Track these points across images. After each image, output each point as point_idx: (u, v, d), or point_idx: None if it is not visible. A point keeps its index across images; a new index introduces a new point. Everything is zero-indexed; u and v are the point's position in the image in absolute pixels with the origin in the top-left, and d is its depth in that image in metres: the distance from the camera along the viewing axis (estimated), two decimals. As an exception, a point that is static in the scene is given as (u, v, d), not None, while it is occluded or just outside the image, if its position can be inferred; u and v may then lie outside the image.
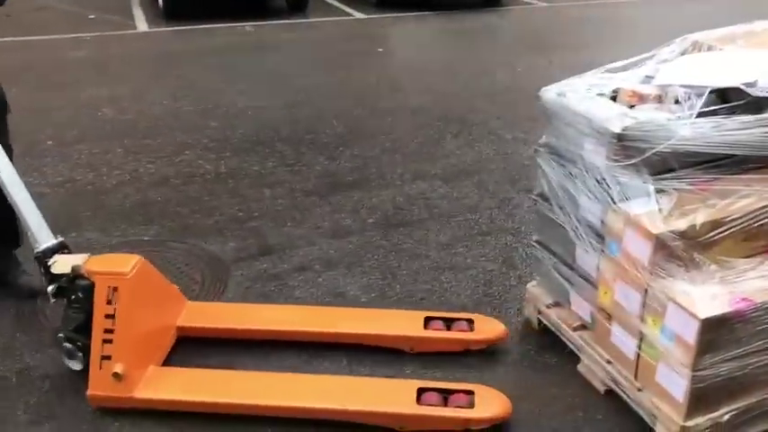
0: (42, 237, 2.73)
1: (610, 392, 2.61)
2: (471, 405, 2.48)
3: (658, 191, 2.33)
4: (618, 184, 2.40)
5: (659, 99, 2.58)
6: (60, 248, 2.75)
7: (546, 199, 2.78)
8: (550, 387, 2.70)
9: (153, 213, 4.08)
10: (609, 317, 2.54)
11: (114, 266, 2.67)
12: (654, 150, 2.31)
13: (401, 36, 9.41)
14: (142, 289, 2.70)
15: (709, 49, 2.79)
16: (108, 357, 2.55)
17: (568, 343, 2.81)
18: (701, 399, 2.27)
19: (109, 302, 2.57)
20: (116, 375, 2.52)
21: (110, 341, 2.56)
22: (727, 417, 2.32)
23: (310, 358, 2.85)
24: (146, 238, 3.81)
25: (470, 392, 2.53)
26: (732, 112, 2.42)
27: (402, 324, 2.97)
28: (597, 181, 2.47)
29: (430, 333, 2.88)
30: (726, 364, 2.23)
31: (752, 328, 2.21)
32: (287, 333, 2.94)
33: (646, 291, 2.31)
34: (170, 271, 3.45)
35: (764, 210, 2.30)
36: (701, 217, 2.27)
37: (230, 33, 9.05)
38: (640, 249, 2.31)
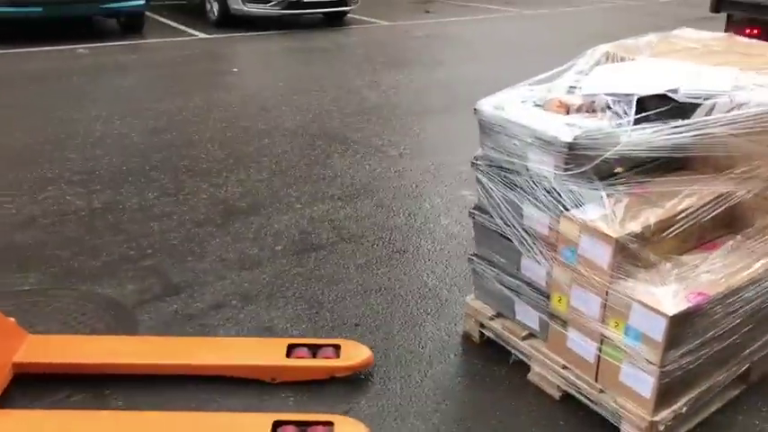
0: None
1: (565, 398, 2.64)
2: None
3: (608, 195, 2.40)
4: (570, 192, 2.44)
5: (585, 109, 2.67)
6: None
7: (485, 211, 2.78)
8: (506, 399, 2.68)
9: (27, 259, 3.61)
10: (564, 323, 2.57)
11: None
12: (603, 157, 2.38)
13: (252, 55, 9.19)
14: None
15: (622, 59, 2.94)
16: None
17: (516, 353, 2.82)
18: (665, 393, 2.35)
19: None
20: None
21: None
22: (685, 408, 2.43)
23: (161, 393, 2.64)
24: (26, 288, 3.35)
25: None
26: (658, 118, 2.54)
27: (263, 353, 2.82)
28: (546, 190, 2.49)
29: (292, 362, 2.74)
30: (686, 358, 2.33)
31: (707, 321, 2.33)
32: (139, 366, 2.73)
33: (606, 294, 2.36)
34: (66, 323, 3.06)
35: (704, 208, 2.44)
36: (652, 218, 2.36)
37: (60, 57, 8.36)
38: (599, 254, 2.35)
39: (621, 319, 2.34)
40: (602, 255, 2.35)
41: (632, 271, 2.35)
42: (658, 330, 2.24)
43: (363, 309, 3.21)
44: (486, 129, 2.67)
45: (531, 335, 2.77)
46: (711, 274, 2.37)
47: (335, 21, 11.08)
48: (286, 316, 3.16)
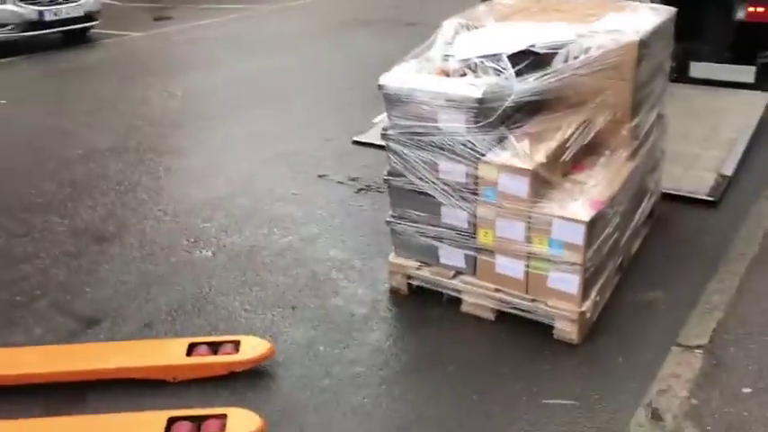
0: None
1: (500, 317, 3.10)
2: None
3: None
4: (482, 141, 2.87)
5: (461, 72, 3.12)
6: None
7: (400, 175, 3.12)
8: (447, 332, 3.08)
9: None
10: (491, 252, 3.02)
11: None
12: (503, 106, 2.86)
13: (15, 82, 8.34)
14: None
15: (475, 27, 3.43)
16: None
17: (448, 292, 3.22)
18: (585, 288, 2.91)
19: None
20: None
21: None
22: (598, 297, 3.03)
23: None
24: None
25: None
26: (528, 69, 3.06)
27: (164, 353, 2.91)
28: (461, 144, 2.90)
29: (192, 360, 2.83)
30: (594, 256, 2.91)
31: (603, 223, 2.93)
32: (39, 376, 2.76)
33: (529, 218, 2.85)
34: None
35: (577, 134, 3.03)
36: (550, 149, 2.90)
37: None
38: (518, 186, 2.84)
39: (544, 235, 2.85)
40: (521, 186, 2.83)
41: (544, 194, 2.87)
42: (579, 236, 2.78)
43: (294, 295, 3.40)
44: (394, 100, 3.00)
45: (458, 273, 3.19)
46: (598, 186, 2.97)
47: (78, 38, 10.38)
48: (221, 317, 3.24)
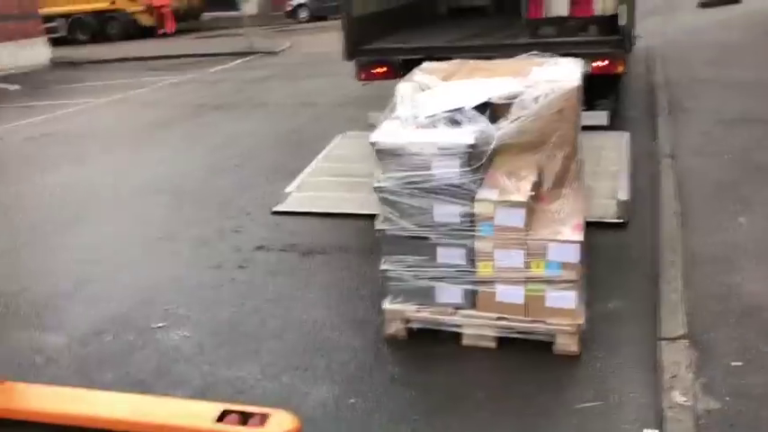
0: None
1: (501, 344, 3.35)
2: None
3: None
4: (474, 182, 3.17)
5: (433, 125, 3.43)
6: None
7: (394, 224, 3.31)
8: (452, 366, 3.27)
9: None
10: (491, 283, 3.28)
11: None
12: (490, 150, 3.19)
13: None
14: None
15: (428, 87, 3.76)
16: None
17: (448, 329, 3.42)
18: (578, 303, 3.26)
19: None
20: None
21: None
22: (589, 309, 3.38)
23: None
24: None
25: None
26: (489, 119, 3.43)
27: (195, 415, 2.76)
28: (455, 187, 3.17)
29: (221, 427, 2.67)
30: (582, 271, 3.28)
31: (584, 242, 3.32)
32: (56, 416, 2.67)
33: (526, 245, 3.17)
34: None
35: (521, 172, 3.43)
36: (530, 184, 3.26)
37: None
38: (514, 218, 3.15)
39: (541, 259, 3.18)
40: (518, 217, 3.15)
41: (534, 222, 3.21)
42: (574, 255, 3.14)
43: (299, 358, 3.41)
44: (388, 155, 3.23)
45: (456, 309, 3.40)
46: (570, 213, 3.37)
47: None
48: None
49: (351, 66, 6.71)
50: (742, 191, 4.81)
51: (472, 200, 3.19)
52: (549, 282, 3.20)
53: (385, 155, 3.24)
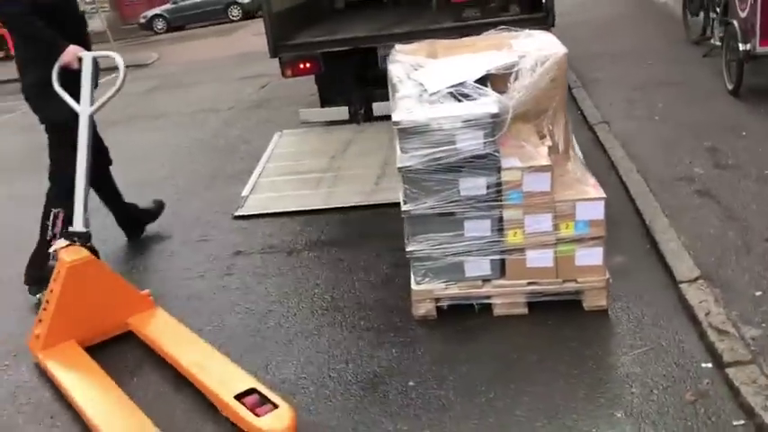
0: (76, 223, 3.72)
1: (532, 308, 3.40)
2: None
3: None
4: (497, 152, 3.20)
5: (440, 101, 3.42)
6: (78, 236, 3.66)
7: (419, 203, 3.27)
8: (489, 336, 3.29)
9: None
10: (521, 250, 3.32)
11: (66, 256, 3.49)
12: (509, 118, 3.23)
13: None
14: (82, 278, 3.46)
15: (420, 66, 3.74)
16: (39, 320, 3.50)
17: (480, 301, 3.43)
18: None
19: (54, 280, 3.47)
20: (36, 336, 3.48)
21: (44, 309, 3.49)
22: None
23: None
24: None
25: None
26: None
27: (222, 381, 3.01)
28: (480, 157, 3.18)
29: (233, 403, 2.84)
30: (601, 228, 3.40)
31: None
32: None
33: (554, 208, 3.24)
34: None
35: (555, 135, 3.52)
36: (546, 144, 3.34)
37: None
38: (541, 182, 3.21)
39: (569, 219, 3.26)
40: (544, 181, 3.21)
41: (556, 186, 3.28)
42: (600, 212, 3.25)
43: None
44: (410, 133, 3.18)
45: (484, 280, 3.42)
46: (584, 172, 3.49)
47: None
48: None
49: (237, 71, 6.55)
50: (687, 144, 5.17)
51: (498, 170, 3.21)
52: (578, 241, 3.29)
53: (408, 133, 3.19)
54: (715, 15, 7.16)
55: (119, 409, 2.98)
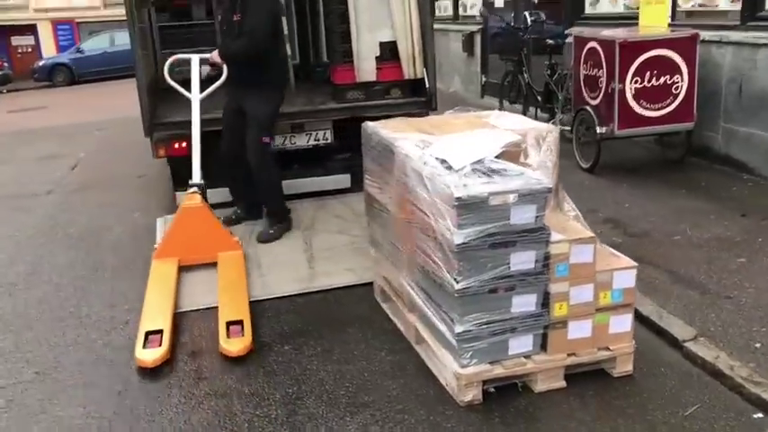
0: (195, 176, 5.24)
1: (569, 380, 3.41)
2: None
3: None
4: (546, 225, 3.22)
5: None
6: (197, 186, 5.18)
7: (472, 281, 3.15)
8: (533, 417, 3.24)
9: None
10: (564, 323, 3.34)
11: (185, 200, 5.09)
12: (549, 191, 3.28)
13: None
14: (190, 217, 4.98)
15: (428, 143, 3.64)
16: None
17: (522, 380, 3.35)
18: (627, 322, 3.52)
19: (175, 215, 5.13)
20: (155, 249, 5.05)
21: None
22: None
23: None
24: None
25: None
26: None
27: (228, 306, 4.32)
28: (531, 231, 3.17)
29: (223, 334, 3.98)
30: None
31: (613, 268, 3.60)
32: None
33: (595, 278, 3.32)
34: None
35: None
36: (572, 215, 3.46)
37: None
38: (585, 254, 3.29)
39: (607, 289, 3.36)
40: (588, 253, 3.30)
41: (599, 254, 3.38)
42: (632, 280, 3.41)
43: None
44: (469, 209, 3.07)
45: (527, 357, 3.36)
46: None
47: None
48: None
49: (25, 151, 5.98)
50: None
51: (546, 243, 3.22)
52: (612, 309, 3.39)
53: (466, 209, 3.08)
54: (557, 104, 8.01)
55: (164, 293, 4.44)
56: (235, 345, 3.82)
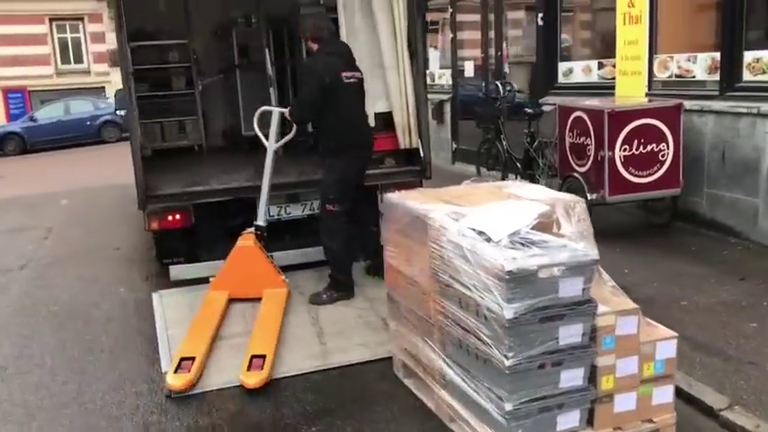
0: (259, 218, 5.76)
1: (612, 454, 3.35)
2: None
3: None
4: (592, 297, 3.21)
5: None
6: (257, 228, 5.73)
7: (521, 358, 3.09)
8: None
9: None
10: (610, 396, 3.28)
11: (241, 239, 5.68)
12: (594, 265, 3.28)
13: None
14: (244, 256, 5.58)
15: (461, 215, 3.61)
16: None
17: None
18: (669, 393, 3.49)
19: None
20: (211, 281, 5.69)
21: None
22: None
23: None
24: None
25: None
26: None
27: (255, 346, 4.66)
28: (579, 304, 3.15)
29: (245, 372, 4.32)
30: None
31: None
32: None
33: (639, 350, 3.30)
34: None
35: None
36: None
37: None
38: (630, 325, 3.27)
39: (650, 360, 3.34)
40: (632, 324, 3.28)
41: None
42: (673, 350, 3.39)
43: None
44: (519, 282, 3.03)
45: (573, 433, 3.29)
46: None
47: None
48: None
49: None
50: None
51: (593, 315, 3.20)
52: (654, 380, 3.36)
53: (516, 283, 3.04)
54: (539, 170, 8.15)
55: (209, 322, 5.03)
56: (252, 378, 4.17)
